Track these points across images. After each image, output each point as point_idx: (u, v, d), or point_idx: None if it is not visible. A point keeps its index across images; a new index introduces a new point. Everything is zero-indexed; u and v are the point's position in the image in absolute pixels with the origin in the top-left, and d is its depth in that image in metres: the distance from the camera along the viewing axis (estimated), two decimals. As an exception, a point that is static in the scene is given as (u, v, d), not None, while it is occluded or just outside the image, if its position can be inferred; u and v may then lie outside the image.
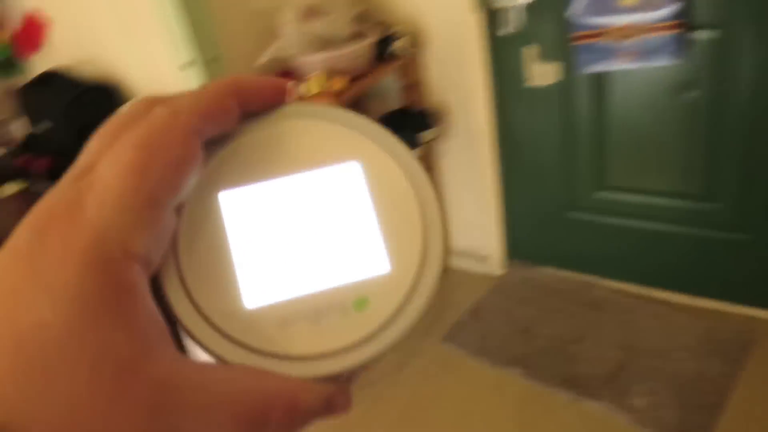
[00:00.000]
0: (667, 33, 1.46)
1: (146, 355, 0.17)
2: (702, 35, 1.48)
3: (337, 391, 0.20)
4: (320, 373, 0.21)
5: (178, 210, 0.20)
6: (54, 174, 1.50)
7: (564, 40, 1.65)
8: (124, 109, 0.21)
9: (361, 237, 0.22)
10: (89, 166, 0.19)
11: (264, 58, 1.67)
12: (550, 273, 2.07)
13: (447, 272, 2.16)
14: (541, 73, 1.76)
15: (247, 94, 0.22)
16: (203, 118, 0.20)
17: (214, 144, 0.22)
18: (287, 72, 1.72)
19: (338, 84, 1.61)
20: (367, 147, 0.23)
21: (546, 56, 1.73)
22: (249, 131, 0.23)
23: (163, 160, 0.19)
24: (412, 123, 1.90)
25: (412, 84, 1.93)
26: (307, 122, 0.23)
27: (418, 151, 1.91)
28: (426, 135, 1.90)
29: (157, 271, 0.20)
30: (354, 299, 0.22)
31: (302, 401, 0.19)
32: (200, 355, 0.20)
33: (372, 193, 0.23)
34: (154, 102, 0.21)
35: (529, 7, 1.67)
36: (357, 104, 1.88)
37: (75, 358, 0.16)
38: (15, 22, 2.06)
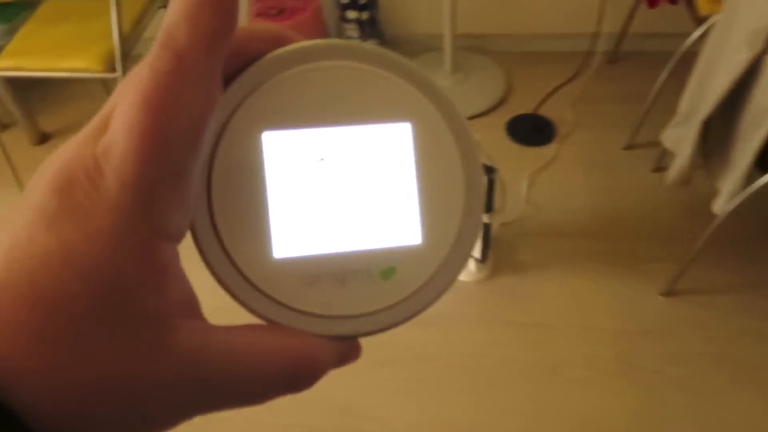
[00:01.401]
0: None
1: (176, 331, 0.18)
2: None
3: (350, 347, 0.22)
4: (340, 333, 0.21)
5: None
6: None
7: None
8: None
9: (398, 204, 0.22)
10: (106, 121, 0.18)
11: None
12: None
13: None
14: None
15: None
16: (210, 49, 0.17)
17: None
18: None
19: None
20: (420, 105, 0.22)
21: None
22: (297, 66, 0.21)
23: (181, 123, 0.17)
24: None
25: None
26: (362, 65, 0.21)
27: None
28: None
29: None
30: (381, 267, 0.21)
31: (322, 358, 0.20)
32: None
33: (418, 159, 0.22)
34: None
35: None
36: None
37: (105, 332, 0.16)
38: None
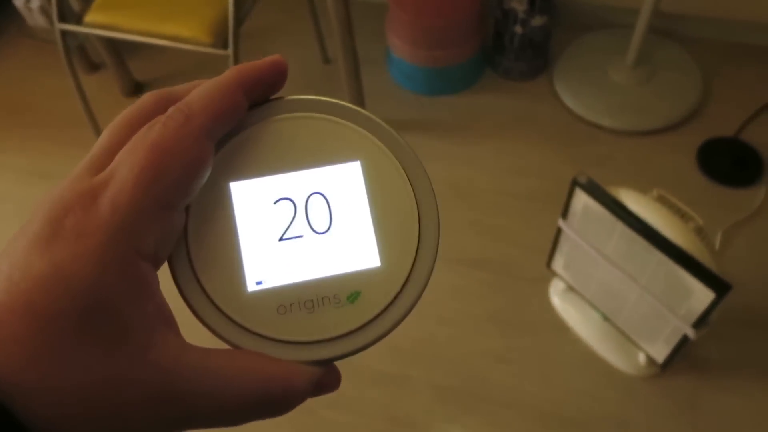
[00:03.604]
0: None
1: (154, 345, 0.20)
2: None
3: (326, 373, 0.23)
4: (313, 359, 0.23)
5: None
6: None
7: None
8: (134, 104, 0.22)
9: (356, 233, 0.24)
10: (101, 162, 0.21)
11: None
12: None
13: None
14: None
15: (253, 84, 0.23)
16: (216, 119, 0.21)
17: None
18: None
19: None
20: (369, 146, 0.24)
21: None
22: (258, 122, 0.24)
23: (177, 165, 0.20)
24: None
25: None
26: (314, 117, 0.24)
27: None
28: None
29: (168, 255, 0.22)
30: (347, 291, 0.23)
31: (297, 383, 0.22)
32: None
33: (369, 192, 0.24)
34: (164, 99, 0.22)
35: None
36: None
37: (90, 344, 0.18)
38: None
